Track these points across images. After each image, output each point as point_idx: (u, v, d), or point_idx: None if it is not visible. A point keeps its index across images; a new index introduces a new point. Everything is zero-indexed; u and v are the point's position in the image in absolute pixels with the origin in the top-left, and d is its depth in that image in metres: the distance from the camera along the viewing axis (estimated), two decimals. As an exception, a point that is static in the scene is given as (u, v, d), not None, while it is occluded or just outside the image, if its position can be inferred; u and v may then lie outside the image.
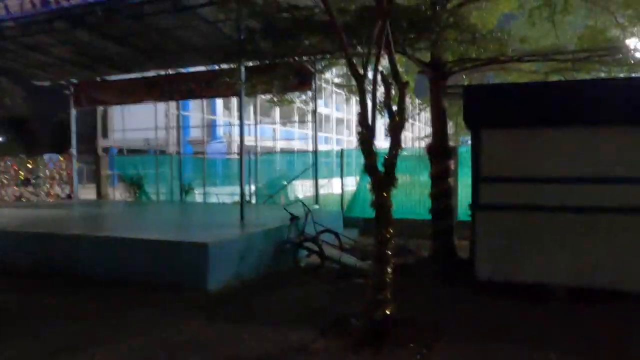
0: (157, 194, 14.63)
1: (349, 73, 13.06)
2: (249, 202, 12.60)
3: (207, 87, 12.16)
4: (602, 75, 7.94)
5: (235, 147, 25.36)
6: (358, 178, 11.45)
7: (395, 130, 3.87)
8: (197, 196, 14.63)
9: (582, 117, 5.51)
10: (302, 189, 15.06)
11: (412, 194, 10.51)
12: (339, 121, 45.80)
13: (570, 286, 5.41)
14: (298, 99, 13.12)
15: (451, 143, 8.14)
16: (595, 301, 5.19)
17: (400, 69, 4.39)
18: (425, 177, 8.75)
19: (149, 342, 4.29)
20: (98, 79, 13.57)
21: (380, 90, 4.32)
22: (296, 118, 30.88)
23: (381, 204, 3.94)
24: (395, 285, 4.22)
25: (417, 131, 46.84)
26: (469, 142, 7.28)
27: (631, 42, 7.68)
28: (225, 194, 14.23)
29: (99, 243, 6.80)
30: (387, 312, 3.95)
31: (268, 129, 31.03)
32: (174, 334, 4.48)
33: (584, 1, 7.62)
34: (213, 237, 6.41)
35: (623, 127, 5.38)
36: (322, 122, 36.54)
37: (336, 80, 16.26)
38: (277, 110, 31.42)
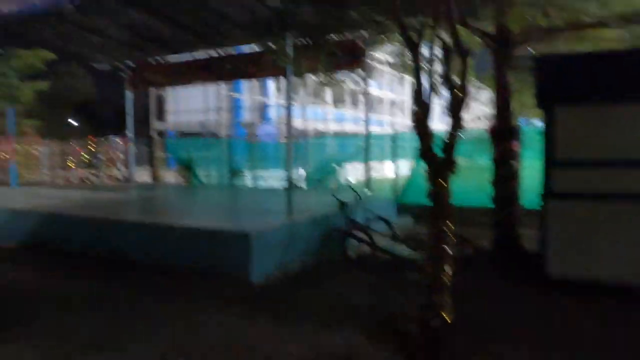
0: (207, 177, 14.57)
1: (402, 47, 12.42)
2: (299, 187, 12.25)
3: (255, 67, 11.85)
4: None
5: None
6: (413, 162, 10.77)
7: (456, 108, 3.28)
8: (247, 180, 14.45)
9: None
10: (353, 172, 14.56)
11: (469, 179, 9.77)
12: (392, 103, 44.67)
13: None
14: (349, 80, 12.58)
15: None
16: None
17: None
18: (483, 161, 8.01)
19: (182, 338, 3.99)
20: (151, 60, 13.65)
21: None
22: (348, 100, 30.21)
23: (438, 193, 3.38)
24: (453, 282, 3.68)
25: (475, 112, 44.88)
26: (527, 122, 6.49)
27: None
28: (274, 177, 13.95)
29: (140, 228, 6.65)
30: (445, 318, 3.41)
31: (319, 111, 30.57)
32: (210, 330, 4.17)
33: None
34: (256, 226, 6.06)
35: None
36: (374, 104, 35.65)
37: (389, 59, 15.54)
38: (329, 92, 30.86)
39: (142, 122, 16.72)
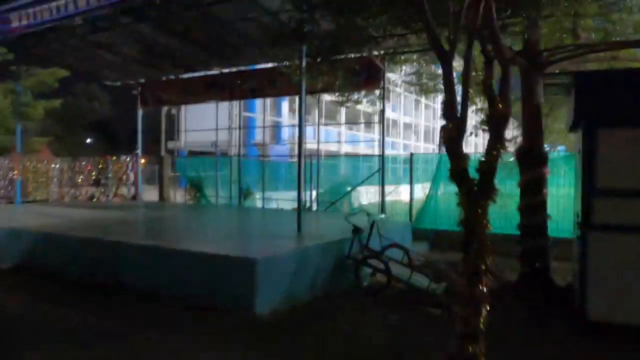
0: (216, 197, 14.14)
1: (420, 70, 12.00)
2: (309, 208, 11.75)
3: (269, 85, 11.56)
4: None
5: (299, 151, 24.79)
6: (429, 185, 10.24)
7: (498, 122, 2.80)
8: (257, 201, 13.97)
9: None
10: (366, 196, 14.05)
11: (492, 204, 9.21)
12: (407, 126, 44.33)
13: None
14: (365, 100, 12.22)
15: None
16: None
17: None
18: (507, 186, 7.50)
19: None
20: (163, 78, 13.44)
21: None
22: (362, 121, 29.89)
23: (474, 224, 2.88)
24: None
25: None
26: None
27: None
28: (285, 199, 13.47)
29: (139, 251, 6.15)
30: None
31: (333, 132, 30.25)
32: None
33: None
34: (263, 252, 5.56)
35: None
36: (389, 126, 35.31)
37: (406, 80, 15.18)
38: (343, 112, 30.57)
39: (157, 141, 16.48)
